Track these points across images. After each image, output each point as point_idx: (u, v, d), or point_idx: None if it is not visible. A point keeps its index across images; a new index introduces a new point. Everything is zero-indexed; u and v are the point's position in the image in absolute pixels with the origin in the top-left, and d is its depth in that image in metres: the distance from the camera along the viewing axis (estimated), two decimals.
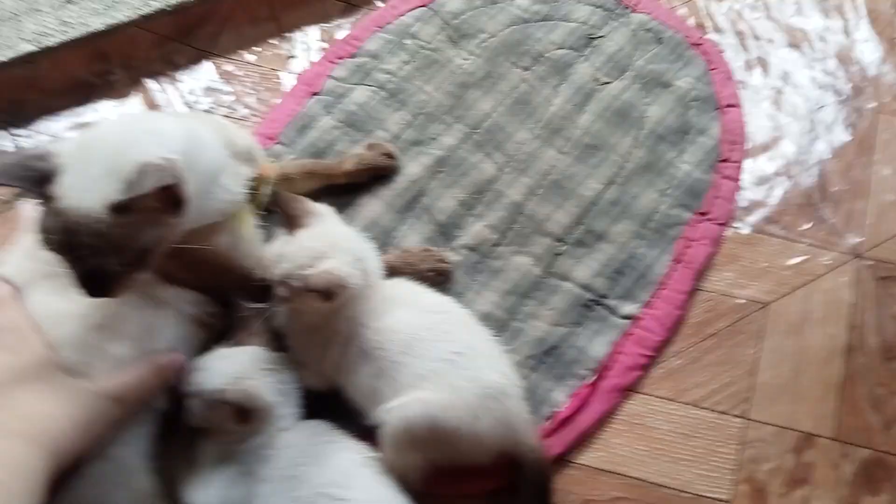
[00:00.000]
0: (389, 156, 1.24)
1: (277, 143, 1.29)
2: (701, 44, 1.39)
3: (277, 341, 1.00)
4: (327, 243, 0.94)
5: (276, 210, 1.08)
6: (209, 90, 1.35)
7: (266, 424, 0.90)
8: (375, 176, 1.23)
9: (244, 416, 0.88)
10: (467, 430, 0.88)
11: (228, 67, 1.37)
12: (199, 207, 0.86)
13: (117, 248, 0.79)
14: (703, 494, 1.00)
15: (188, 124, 0.87)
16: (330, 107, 1.32)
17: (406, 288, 1.02)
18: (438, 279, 1.11)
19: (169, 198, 0.79)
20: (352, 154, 1.23)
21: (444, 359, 0.91)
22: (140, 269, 0.83)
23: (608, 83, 1.35)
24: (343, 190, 1.21)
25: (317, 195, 1.10)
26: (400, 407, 0.89)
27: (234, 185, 0.94)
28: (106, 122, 0.83)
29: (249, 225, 0.97)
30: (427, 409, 0.88)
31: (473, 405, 0.89)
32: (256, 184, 0.99)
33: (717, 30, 1.42)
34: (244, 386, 0.88)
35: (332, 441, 0.93)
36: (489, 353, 0.97)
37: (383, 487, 0.89)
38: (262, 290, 1.00)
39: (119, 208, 0.77)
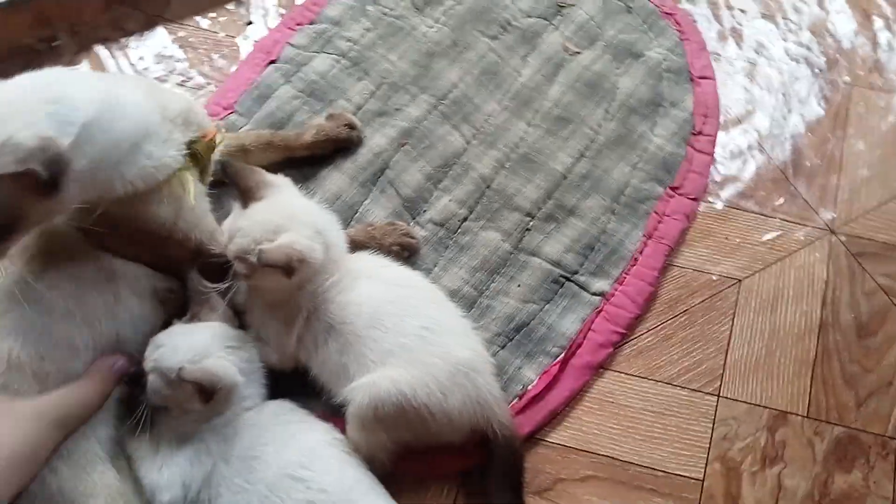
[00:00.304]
0: (351, 126, 1.18)
1: (233, 112, 1.22)
2: (673, 13, 1.36)
3: (238, 318, 0.95)
4: (285, 215, 0.88)
5: (230, 182, 1.02)
6: (161, 57, 1.28)
7: (229, 404, 0.85)
8: (337, 148, 1.18)
9: (206, 395, 0.83)
10: (437, 407, 0.84)
11: (181, 33, 1.30)
12: (111, 176, 0.80)
13: None
14: (676, 473, 0.98)
15: (106, 87, 0.80)
16: (289, 75, 1.26)
17: (371, 261, 0.97)
18: (404, 254, 1.06)
19: (31, 182, 0.71)
20: (312, 125, 1.17)
21: (413, 334, 0.87)
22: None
23: (578, 53, 1.31)
24: (304, 162, 1.15)
25: (277, 168, 1.05)
26: (367, 385, 0.84)
27: (161, 150, 0.86)
28: (10, 83, 0.75)
29: (193, 192, 0.91)
30: (395, 387, 0.83)
31: (443, 381, 0.85)
32: (199, 149, 0.92)
33: None
34: (206, 364, 0.83)
35: (297, 421, 0.88)
36: (458, 329, 0.93)
37: (350, 468, 0.85)
38: (218, 264, 0.95)
39: None
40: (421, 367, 0.85)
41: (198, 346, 0.86)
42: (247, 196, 0.91)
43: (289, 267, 0.84)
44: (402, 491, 0.89)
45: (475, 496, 0.95)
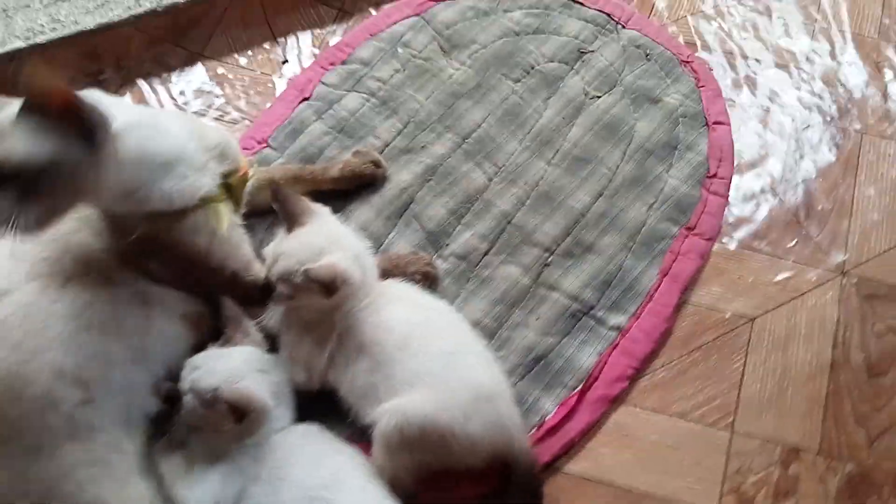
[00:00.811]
0: (376, 164, 1.23)
1: (267, 147, 1.28)
2: (690, 61, 1.41)
3: (269, 342, 1.00)
4: (328, 240, 0.94)
5: (263, 212, 1.08)
6: (200, 92, 1.34)
7: (260, 425, 0.89)
8: (362, 184, 1.23)
9: (239, 415, 0.87)
10: (460, 430, 0.88)
11: (220, 70, 1.37)
12: (145, 185, 0.88)
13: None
14: None
15: (145, 110, 0.89)
16: (321, 112, 1.32)
17: (402, 288, 1.02)
18: (425, 283, 1.10)
19: (75, 121, 0.78)
20: (338, 161, 1.23)
21: (438, 358, 0.91)
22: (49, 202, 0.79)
23: (598, 97, 1.36)
24: (332, 196, 1.20)
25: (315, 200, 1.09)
26: (394, 408, 0.88)
27: (196, 175, 0.93)
28: None
29: (227, 222, 0.97)
30: (420, 410, 0.87)
31: (466, 406, 0.89)
32: (233, 182, 0.99)
33: (707, 48, 1.44)
34: (241, 386, 0.87)
35: (324, 444, 0.92)
36: (481, 356, 0.97)
37: (373, 492, 0.88)
38: (254, 291, 1.00)
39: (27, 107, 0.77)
40: (445, 391, 0.89)
41: (233, 368, 0.90)
42: (291, 221, 0.97)
43: (332, 285, 0.89)
44: None
45: None
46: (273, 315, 1.02)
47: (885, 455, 1.04)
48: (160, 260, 0.95)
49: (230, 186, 1.00)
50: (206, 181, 0.95)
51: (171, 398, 0.90)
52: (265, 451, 0.89)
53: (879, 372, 1.10)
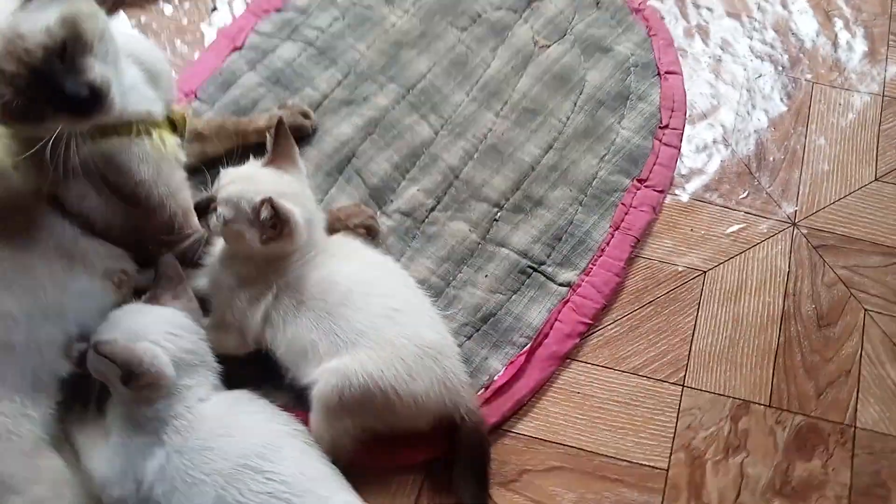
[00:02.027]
0: (305, 115, 1.16)
1: (196, 99, 1.20)
2: (641, 9, 1.36)
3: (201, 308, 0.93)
4: (293, 190, 0.89)
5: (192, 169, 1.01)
6: None
7: (162, 392, 0.82)
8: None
9: (127, 377, 0.80)
10: (404, 389, 0.84)
11: (143, 18, 1.27)
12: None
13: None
14: (641, 462, 0.98)
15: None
16: (253, 63, 1.24)
17: (347, 242, 0.97)
18: (368, 236, 1.05)
19: None
20: (265, 113, 1.16)
21: (382, 315, 0.87)
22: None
23: (547, 46, 1.31)
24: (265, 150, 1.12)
25: (241, 156, 1.02)
26: (333, 368, 0.83)
27: (146, 90, 0.91)
28: None
29: (172, 151, 0.93)
30: (362, 368, 0.83)
31: (410, 363, 0.85)
32: (176, 118, 0.96)
33: None
34: (135, 346, 0.80)
35: (256, 411, 0.86)
36: (427, 314, 0.93)
37: (311, 459, 0.83)
38: (186, 246, 0.95)
39: None
40: (389, 348, 0.84)
41: (136, 326, 0.83)
42: (273, 157, 0.92)
43: (284, 226, 0.84)
44: (365, 484, 0.87)
45: (440, 488, 0.94)
46: (205, 276, 0.96)
47: (832, 406, 1.03)
48: (98, 191, 0.88)
49: (173, 123, 0.96)
50: (155, 100, 0.92)
51: (82, 359, 0.83)
52: (190, 420, 0.82)
53: (829, 322, 1.09)
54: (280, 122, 0.93)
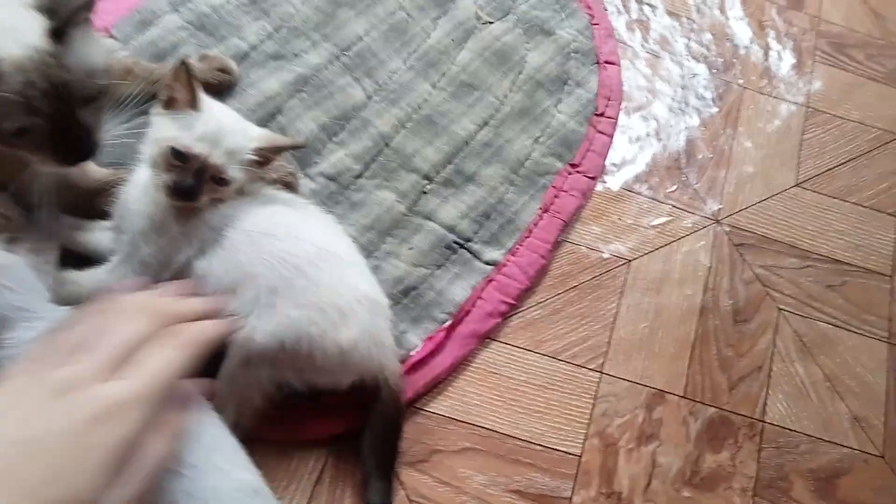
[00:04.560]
0: (225, 71, 1.08)
1: (110, 37, 1.10)
2: None
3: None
4: (241, 121, 0.84)
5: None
6: None
7: None
8: (206, 93, 1.07)
9: None
10: (331, 340, 0.78)
11: None
12: None
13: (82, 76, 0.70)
14: (555, 447, 0.96)
15: None
16: (176, 4, 1.15)
17: (282, 193, 0.91)
18: (285, 190, 0.98)
19: None
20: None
21: (319, 258, 0.81)
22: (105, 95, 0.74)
23: (490, 23, 1.28)
24: None
25: (147, 102, 0.93)
26: (260, 311, 0.77)
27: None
28: None
29: None
30: (289, 313, 0.77)
31: (346, 311, 0.79)
32: None
33: None
34: None
35: None
36: (362, 267, 0.88)
37: (210, 428, 0.76)
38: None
39: (57, 33, 0.68)
40: (324, 293, 0.79)
41: None
42: (192, 101, 0.79)
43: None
44: (265, 460, 0.80)
45: (344, 466, 0.89)
46: (103, 233, 0.87)
47: (743, 399, 1.04)
48: None
49: None
50: None
51: None
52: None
53: (745, 318, 1.10)
54: (187, 64, 0.82)
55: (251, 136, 0.81)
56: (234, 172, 0.79)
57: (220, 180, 0.78)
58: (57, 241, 0.84)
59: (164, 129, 0.78)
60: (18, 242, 0.78)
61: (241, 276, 0.79)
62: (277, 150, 0.84)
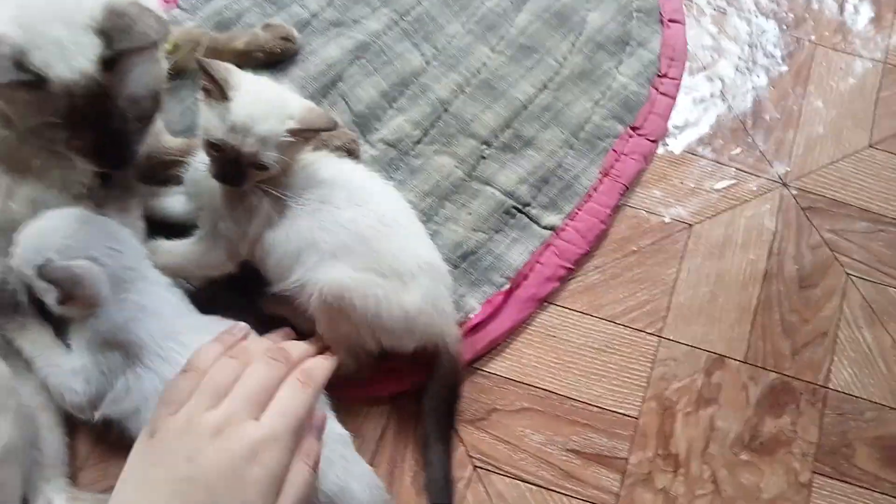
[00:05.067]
0: (288, 39, 1.10)
1: (176, 6, 1.13)
2: None
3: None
4: (283, 97, 0.84)
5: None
6: None
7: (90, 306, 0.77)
8: (270, 62, 1.09)
9: (65, 298, 0.75)
10: (398, 301, 0.81)
11: None
12: None
13: (126, 104, 0.73)
14: (611, 409, 0.97)
15: None
16: None
17: (343, 161, 0.93)
18: (347, 157, 1.00)
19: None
20: (245, 32, 1.09)
21: (384, 223, 0.84)
22: (152, 118, 0.79)
23: None
24: (248, 66, 1.06)
25: None
26: (332, 275, 0.81)
27: None
28: None
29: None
30: (360, 275, 0.80)
31: (407, 278, 0.82)
32: None
33: None
34: (72, 265, 0.75)
35: (219, 322, 0.81)
36: (421, 232, 0.91)
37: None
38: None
39: (109, 62, 0.70)
40: (388, 258, 0.82)
41: (73, 241, 0.76)
42: (220, 93, 0.80)
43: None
44: (336, 411, 0.85)
45: (406, 419, 0.92)
46: (178, 199, 0.92)
47: (806, 365, 1.03)
48: None
49: None
50: None
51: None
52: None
53: (810, 284, 1.08)
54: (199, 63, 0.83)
55: (288, 116, 0.80)
56: (271, 157, 0.79)
57: (258, 166, 0.80)
58: (139, 204, 0.89)
59: (204, 119, 0.80)
60: (106, 205, 0.83)
61: (303, 244, 0.82)
62: (314, 131, 0.84)
